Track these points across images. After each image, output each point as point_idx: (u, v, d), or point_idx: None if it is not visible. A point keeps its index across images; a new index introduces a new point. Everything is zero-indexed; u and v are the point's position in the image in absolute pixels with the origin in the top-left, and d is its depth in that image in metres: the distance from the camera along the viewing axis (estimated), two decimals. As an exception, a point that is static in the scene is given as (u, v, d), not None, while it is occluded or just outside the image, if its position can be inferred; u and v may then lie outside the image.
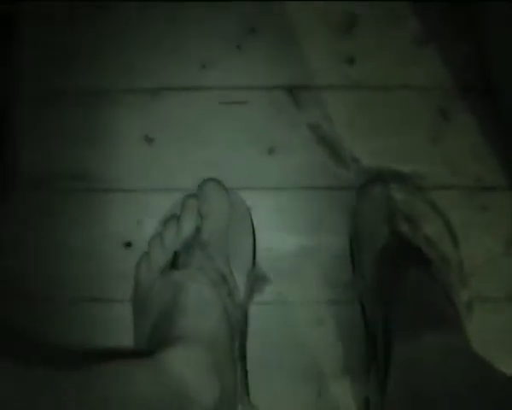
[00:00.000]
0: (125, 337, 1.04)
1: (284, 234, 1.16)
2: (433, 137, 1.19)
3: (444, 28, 1.26)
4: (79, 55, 1.28)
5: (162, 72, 1.25)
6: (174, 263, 1.01)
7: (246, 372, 1.06)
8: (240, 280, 1.04)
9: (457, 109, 1.21)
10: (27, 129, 1.24)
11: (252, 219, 1.12)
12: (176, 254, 1.02)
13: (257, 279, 1.12)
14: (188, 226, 1.05)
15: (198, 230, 1.05)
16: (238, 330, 1.02)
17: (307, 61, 1.24)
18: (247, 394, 1.05)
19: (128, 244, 1.16)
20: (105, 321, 1.16)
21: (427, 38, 1.26)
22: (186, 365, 0.84)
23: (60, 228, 1.19)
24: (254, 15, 1.28)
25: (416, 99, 1.21)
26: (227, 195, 1.08)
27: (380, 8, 1.27)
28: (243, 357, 1.06)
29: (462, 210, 1.16)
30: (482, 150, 1.19)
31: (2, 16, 1.30)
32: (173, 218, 1.07)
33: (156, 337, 0.93)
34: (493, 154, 1.19)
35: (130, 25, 1.29)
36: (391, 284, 0.97)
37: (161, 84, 1.24)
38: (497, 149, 1.19)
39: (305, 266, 1.17)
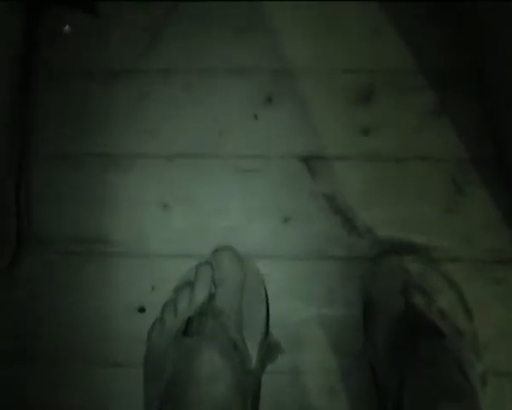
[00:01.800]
0: (137, 403, 1.07)
1: (298, 303, 1.21)
2: (448, 209, 1.24)
3: (457, 99, 1.34)
4: (96, 118, 1.37)
5: (179, 138, 1.32)
6: (187, 330, 1.04)
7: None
8: (252, 349, 1.08)
9: (471, 181, 1.27)
10: (41, 189, 1.30)
11: (266, 288, 1.17)
12: (189, 321, 1.05)
13: (270, 348, 1.16)
14: (201, 294, 1.09)
15: (211, 297, 1.09)
16: (250, 399, 1.06)
17: (323, 131, 1.31)
18: None
19: (141, 309, 1.21)
20: (117, 386, 1.19)
21: (441, 109, 1.33)
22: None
23: (73, 291, 1.24)
24: (271, 85, 1.37)
25: (430, 170, 1.27)
26: (241, 263, 1.13)
27: (394, 80, 1.35)
28: (255, 426, 1.09)
29: (475, 283, 1.20)
30: (496, 223, 1.24)
31: (20, 85, 1.39)
32: (187, 284, 1.12)
33: (167, 405, 0.96)
34: (507, 226, 1.24)
35: (147, 91, 1.37)
36: (404, 356, 1.01)
37: (178, 151, 1.31)
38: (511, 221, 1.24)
39: (317, 336, 1.21)
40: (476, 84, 1.35)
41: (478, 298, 1.17)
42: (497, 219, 1.24)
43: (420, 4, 1.44)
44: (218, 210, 1.25)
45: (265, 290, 1.16)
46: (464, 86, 1.35)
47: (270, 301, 1.16)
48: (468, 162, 1.29)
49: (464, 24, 1.41)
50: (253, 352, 1.08)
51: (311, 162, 1.28)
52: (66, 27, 1.46)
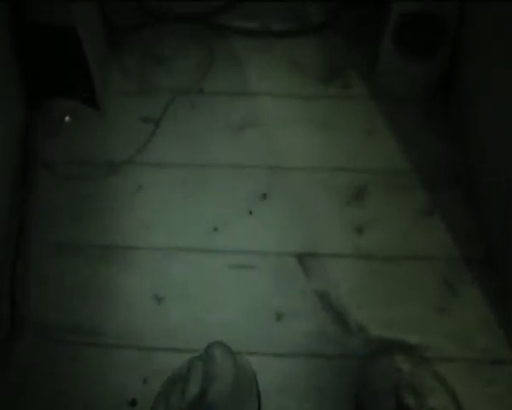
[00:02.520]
0: None
1: (289, 400, 1.22)
2: (440, 308, 1.28)
3: (449, 199, 1.40)
4: (94, 210, 1.41)
5: (175, 232, 1.37)
6: (178, 424, 1.05)
7: None
8: (243, 445, 1.09)
9: (463, 280, 1.31)
10: (38, 278, 1.33)
11: (258, 384, 1.18)
12: (180, 415, 1.06)
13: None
14: (194, 388, 1.10)
15: (203, 392, 1.10)
16: None
17: (317, 229, 1.36)
18: None
19: (133, 402, 1.21)
20: None
21: (432, 208, 1.39)
22: None
23: (63, 380, 1.24)
24: (266, 181, 1.43)
25: (422, 269, 1.32)
26: (234, 358, 1.15)
27: (387, 180, 1.42)
28: None
29: (468, 383, 1.21)
30: (489, 323, 1.26)
31: (19, 176, 1.45)
32: (180, 378, 1.13)
33: None
34: (500, 326, 1.26)
35: (144, 185, 1.43)
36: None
37: (174, 245, 1.35)
38: (504, 321, 1.27)
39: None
40: (470, 184, 1.41)
41: (471, 398, 1.18)
42: (490, 319, 1.26)
43: (414, 106, 1.53)
44: (212, 305, 1.28)
45: (257, 386, 1.18)
46: (456, 187, 1.41)
47: (261, 397, 1.18)
48: (460, 261, 1.33)
49: (456, 130, 1.49)
50: (244, 449, 1.09)
51: (305, 259, 1.32)
52: (67, 118, 1.53)
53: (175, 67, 1.64)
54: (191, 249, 1.34)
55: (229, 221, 1.37)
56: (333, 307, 1.27)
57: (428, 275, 1.31)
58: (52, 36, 1.41)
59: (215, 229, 1.37)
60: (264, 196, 1.40)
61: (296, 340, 1.25)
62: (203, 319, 1.27)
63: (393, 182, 1.42)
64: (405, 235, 1.35)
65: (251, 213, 1.38)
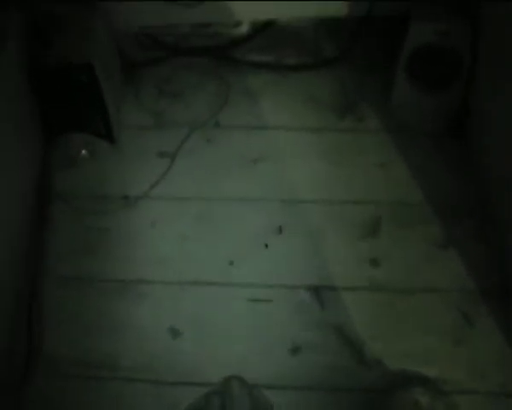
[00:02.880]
0: None
1: (306, 433, 1.23)
2: (457, 341, 1.29)
3: (464, 231, 1.41)
4: (108, 244, 1.44)
5: (191, 266, 1.39)
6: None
7: None
8: None
9: (480, 313, 1.32)
10: (53, 312, 1.35)
11: (274, 418, 1.19)
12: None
13: None
14: (211, 423, 1.12)
15: (221, 426, 1.11)
16: None
17: (332, 262, 1.38)
18: None
19: (149, 437, 1.23)
20: None
21: (447, 240, 1.40)
22: None
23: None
24: (282, 215, 1.45)
25: (438, 302, 1.33)
26: (250, 392, 1.16)
27: (402, 212, 1.44)
28: None
29: (485, 416, 1.22)
30: (505, 355, 1.27)
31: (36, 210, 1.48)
32: (197, 413, 1.14)
33: None
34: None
35: (160, 219, 1.46)
36: None
37: (190, 279, 1.37)
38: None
39: None
40: (483, 217, 1.43)
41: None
42: (508, 352, 1.27)
43: (427, 139, 1.55)
44: (228, 338, 1.30)
45: (274, 420, 1.19)
46: (469, 219, 1.43)
47: (278, 432, 1.19)
48: (477, 294, 1.34)
49: (468, 163, 1.51)
50: None
51: (321, 292, 1.34)
52: (83, 152, 1.56)
53: (190, 101, 1.67)
54: (207, 283, 1.37)
55: (245, 255, 1.40)
56: (349, 340, 1.29)
57: (444, 307, 1.32)
58: (69, 72, 1.44)
59: (231, 262, 1.39)
60: (280, 230, 1.42)
61: (312, 373, 1.26)
62: (219, 352, 1.29)
63: (407, 214, 1.44)
64: (420, 267, 1.37)
65: (267, 246, 1.41)
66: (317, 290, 1.34)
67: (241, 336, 1.30)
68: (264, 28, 1.75)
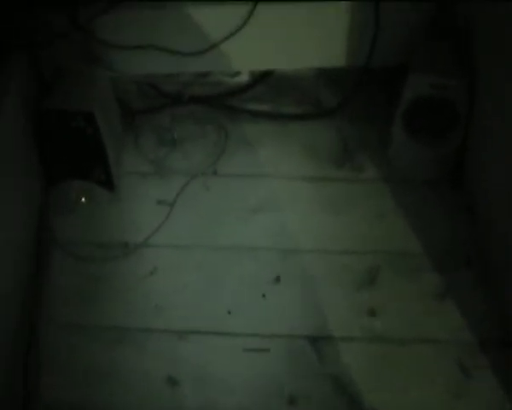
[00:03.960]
0: None
1: None
2: (454, 394, 1.30)
3: (462, 282, 1.44)
4: (107, 292, 1.47)
5: (189, 315, 1.42)
6: None
7: None
8: None
9: (478, 365, 1.33)
10: (51, 360, 1.37)
11: None
12: None
13: None
14: None
15: None
16: None
17: (329, 312, 1.41)
18: None
19: None
20: None
21: (445, 291, 1.43)
22: None
23: None
24: (280, 264, 1.48)
25: (436, 354, 1.35)
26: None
27: (399, 262, 1.47)
28: None
29: None
30: (506, 408, 1.29)
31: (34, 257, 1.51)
32: None
33: None
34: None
35: (159, 267, 1.49)
36: None
37: (187, 327, 1.40)
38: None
39: None
40: (482, 267, 1.46)
41: None
42: (506, 407, 1.29)
43: (426, 189, 1.59)
44: (226, 389, 1.32)
45: None
46: (467, 269, 1.46)
47: None
48: (475, 346, 1.36)
49: (466, 212, 1.54)
50: None
51: (318, 343, 1.36)
52: (83, 200, 1.59)
53: (189, 150, 1.72)
54: (205, 332, 1.39)
55: (243, 304, 1.43)
56: (346, 392, 1.30)
57: (442, 359, 1.34)
58: (69, 120, 1.49)
59: (229, 312, 1.42)
60: (278, 279, 1.46)
61: (309, 425, 1.28)
62: (217, 402, 1.30)
63: (405, 265, 1.47)
64: (418, 318, 1.39)
65: (264, 296, 1.43)
66: (314, 341, 1.37)
67: (239, 386, 1.32)
68: (263, 77, 1.80)
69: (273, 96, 1.81)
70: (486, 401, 1.30)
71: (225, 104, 1.81)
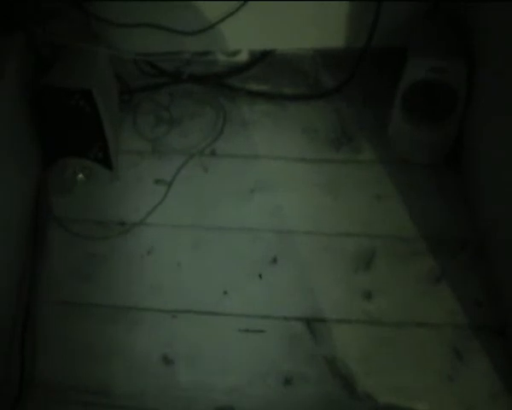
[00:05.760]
0: None
1: None
2: (448, 376, 1.30)
3: (457, 266, 1.44)
4: (104, 270, 1.46)
5: (184, 295, 1.41)
6: None
7: None
8: None
9: (472, 348, 1.33)
10: (46, 337, 1.37)
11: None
12: None
13: None
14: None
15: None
16: None
17: (325, 294, 1.40)
18: None
19: None
20: None
21: (440, 275, 1.43)
22: None
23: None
24: (277, 245, 1.48)
25: (430, 337, 1.35)
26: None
27: (395, 246, 1.46)
28: None
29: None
30: (498, 393, 1.28)
31: (31, 234, 1.50)
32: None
33: None
34: (509, 395, 1.28)
35: (155, 246, 1.48)
36: None
37: (183, 307, 1.39)
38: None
39: None
40: (478, 250, 1.46)
41: None
42: (499, 389, 1.29)
43: (423, 172, 1.58)
44: (220, 369, 1.32)
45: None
46: (463, 253, 1.46)
47: None
48: (468, 329, 1.36)
49: (463, 195, 1.53)
50: None
51: (313, 324, 1.36)
52: (80, 176, 1.58)
53: (188, 129, 1.70)
54: (201, 312, 1.39)
55: (239, 284, 1.42)
56: (341, 373, 1.30)
57: (436, 342, 1.34)
58: (67, 98, 1.47)
59: (225, 292, 1.41)
60: (275, 260, 1.45)
61: (303, 405, 1.28)
62: (211, 382, 1.30)
63: (401, 248, 1.46)
64: (413, 301, 1.39)
65: (261, 276, 1.43)
66: (309, 322, 1.36)
67: (233, 366, 1.32)
68: (262, 57, 1.78)
69: (272, 77, 1.79)
70: (478, 383, 1.30)
71: (224, 84, 1.79)
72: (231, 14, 1.61)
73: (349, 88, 1.74)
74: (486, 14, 1.43)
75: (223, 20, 1.63)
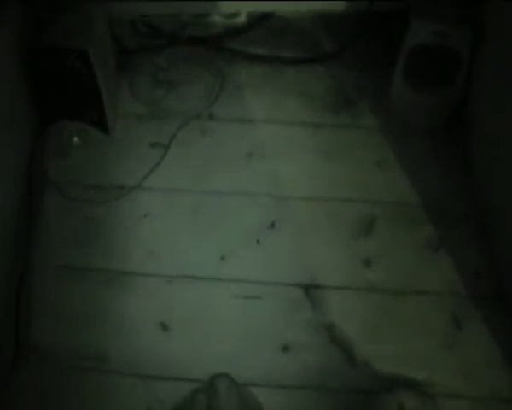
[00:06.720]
0: None
1: (294, 433, 1.22)
2: (447, 345, 1.28)
3: (457, 235, 1.41)
4: (100, 235, 1.43)
5: (181, 260, 1.38)
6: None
7: None
8: None
9: (470, 317, 1.31)
10: (43, 300, 1.34)
11: (262, 416, 1.19)
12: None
13: None
14: (196, 422, 1.11)
15: (207, 426, 1.11)
16: None
17: (324, 261, 1.38)
18: None
19: (135, 432, 1.22)
20: None
21: (440, 243, 1.40)
22: None
23: (65, 406, 1.24)
24: (275, 211, 1.44)
25: (429, 305, 1.32)
26: (238, 391, 1.15)
27: (395, 213, 1.43)
28: None
29: (475, 421, 1.22)
30: (496, 361, 1.27)
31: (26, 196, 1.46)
32: (183, 410, 1.14)
33: None
34: (508, 364, 1.26)
35: (151, 210, 1.45)
36: None
37: (179, 273, 1.36)
38: (512, 359, 1.27)
39: None
40: (479, 220, 1.43)
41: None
42: (497, 358, 1.27)
43: (425, 138, 1.54)
44: (217, 335, 1.29)
45: (263, 418, 1.18)
46: (464, 222, 1.42)
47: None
48: (467, 298, 1.34)
49: (466, 164, 1.50)
50: None
51: (311, 291, 1.33)
52: (75, 139, 1.54)
53: (185, 92, 1.66)
54: (198, 278, 1.36)
55: (237, 250, 1.39)
56: (339, 341, 1.28)
57: (435, 311, 1.32)
58: (63, 58, 1.42)
59: (222, 257, 1.38)
60: (273, 225, 1.42)
61: (301, 372, 1.26)
62: (208, 348, 1.28)
63: (402, 215, 1.43)
64: (413, 269, 1.36)
65: (258, 242, 1.40)
66: (307, 289, 1.34)
67: (230, 332, 1.30)
68: (261, 20, 1.73)
69: (271, 40, 1.74)
70: (477, 351, 1.28)
71: (222, 46, 1.74)
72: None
73: (349, 52, 1.69)
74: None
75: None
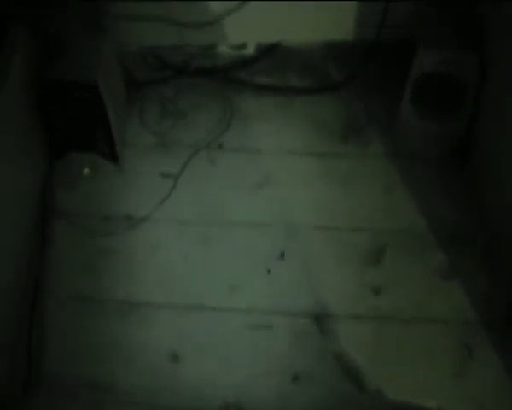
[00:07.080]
0: None
1: None
2: (458, 373, 1.27)
3: (467, 261, 1.40)
4: (110, 266, 1.43)
5: (192, 290, 1.38)
6: None
7: None
8: None
9: (482, 345, 1.30)
10: (53, 332, 1.34)
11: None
12: None
13: None
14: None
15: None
16: None
17: (334, 290, 1.37)
18: None
19: None
20: None
21: (451, 270, 1.39)
22: None
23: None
24: (284, 240, 1.44)
25: (440, 333, 1.32)
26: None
27: (405, 240, 1.43)
28: None
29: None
30: (506, 389, 1.25)
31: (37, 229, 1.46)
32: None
33: None
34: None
35: (162, 242, 1.45)
36: None
37: (190, 302, 1.36)
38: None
39: None
40: (486, 245, 1.42)
41: None
42: (508, 386, 1.25)
43: (432, 165, 1.54)
44: (228, 365, 1.29)
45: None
46: (472, 248, 1.42)
47: None
48: (479, 325, 1.33)
49: (473, 190, 1.50)
50: None
51: (321, 320, 1.33)
52: (86, 170, 1.55)
53: (194, 122, 1.67)
54: (208, 308, 1.36)
55: (247, 280, 1.39)
56: (350, 370, 1.27)
57: (446, 338, 1.31)
58: (74, 90, 1.44)
59: (232, 287, 1.38)
60: (282, 255, 1.42)
61: (312, 402, 1.25)
62: (219, 379, 1.27)
63: (410, 242, 1.43)
64: (422, 297, 1.36)
65: (269, 271, 1.40)
66: (318, 318, 1.33)
67: (241, 362, 1.29)
68: (269, 50, 1.74)
69: (279, 70, 1.76)
70: (487, 379, 1.27)
71: (231, 77, 1.75)
72: (238, 7, 1.57)
73: (357, 81, 1.70)
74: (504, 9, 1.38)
75: (229, 13, 1.59)
